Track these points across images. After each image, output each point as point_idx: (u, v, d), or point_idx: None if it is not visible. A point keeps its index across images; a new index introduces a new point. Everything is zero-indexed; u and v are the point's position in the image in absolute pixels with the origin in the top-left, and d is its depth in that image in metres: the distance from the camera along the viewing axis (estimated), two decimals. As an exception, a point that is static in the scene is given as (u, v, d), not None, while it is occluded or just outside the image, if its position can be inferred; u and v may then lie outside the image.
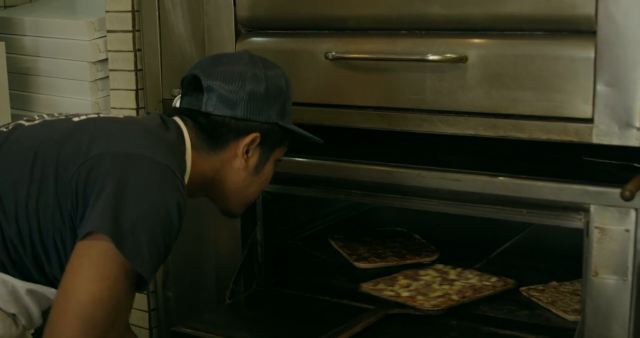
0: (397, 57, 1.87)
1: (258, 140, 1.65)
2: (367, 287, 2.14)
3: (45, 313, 1.60)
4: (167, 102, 2.25)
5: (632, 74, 1.61)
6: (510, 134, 1.77)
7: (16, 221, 1.46)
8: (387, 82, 1.91)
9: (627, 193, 1.56)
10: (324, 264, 2.42)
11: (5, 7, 2.90)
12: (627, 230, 1.64)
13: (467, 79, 1.79)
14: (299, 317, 2.08)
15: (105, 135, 1.52)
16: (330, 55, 1.93)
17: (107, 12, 2.37)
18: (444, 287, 2.13)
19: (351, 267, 2.36)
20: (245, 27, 2.12)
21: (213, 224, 2.26)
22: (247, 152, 1.66)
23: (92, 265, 1.37)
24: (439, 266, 2.30)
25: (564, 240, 2.34)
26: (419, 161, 1.92)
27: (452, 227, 2.65)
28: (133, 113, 2.37)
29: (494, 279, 2.18)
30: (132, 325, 1.94)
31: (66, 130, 1.53)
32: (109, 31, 2.38)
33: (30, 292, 1.52)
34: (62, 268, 1.43)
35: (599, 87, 1.65)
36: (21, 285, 1.51)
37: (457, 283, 2.16)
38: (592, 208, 1.67)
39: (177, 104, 1.76)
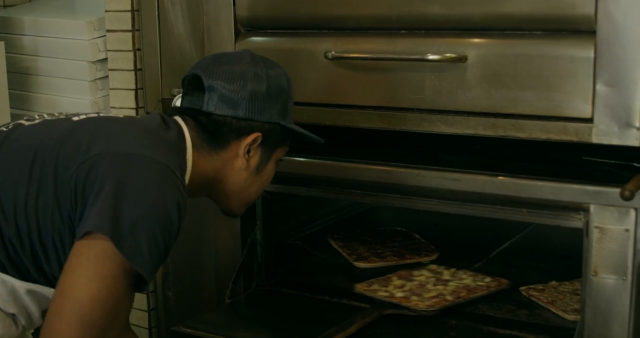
0: (396, 56, 1.87)
1: (259, 140, 1.65)
2: (361, 287, 2.14)
3: (45, 313, 1.60)
4: (166, 102, 2.25)
5: (631, 73, 1.61)
6: (510, 133, 1.77)
7: (15, 221, 1.46)
8: (386, 82, 1.91)
9: (626, 193, 1.56)
10: (324, 264, 2.42)
11: (5, 6, 2.90)
12: (627, 230, 1.64)
13: (466, 78, 1.79)
14: (299, 317, 2.08)
15: (105, 135, 1.51)
16: (329, 55, 1.93)
17: (106, 11, 2.37)
18: (438, 287, 2.13)
19: (351, 267, 2.36)
20: (245, 27, 2.12)
21: (213, 224, 2.26)
22: (248, 151, 1.65)
23: (90, 264, 1.37)
24: (433, 266, 2.30)
25: (563, 240, 2.34)
26: (418, 161, 1.92)
27: (452, 227, 2.65)
28: (132, 112, 2.37)
29: (488, 279, 2.18)
30: (132, 324, 1.94)
31: (66, 130, 1.53)
32: (108, 31, 2.38)
33: (29, 292, 1.52)
34: (61, 268, 1.43)
35: (598, 86, 1.65)
36: (21, 285, 1.51)
37: (451, 283, 2.16)
38: (592, 208, 1.67)
39: (177, 104, 1.76)
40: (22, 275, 1.50)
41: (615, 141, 1.65)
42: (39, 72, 2.64)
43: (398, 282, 2.16)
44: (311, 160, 2.02)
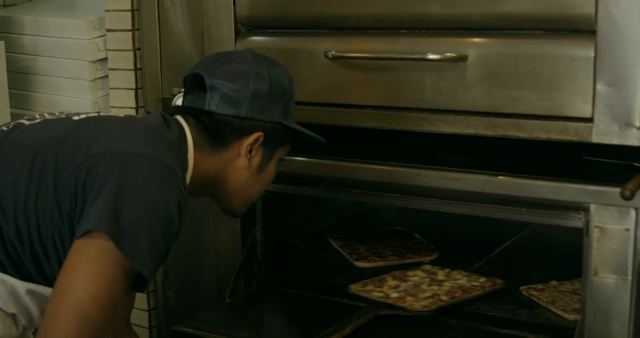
0: (397, 56, 1.87)
1: (261, 140, 1.64)
2: (355, 288, 2.14)
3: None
4: (166, 101, 2.25)
5: (631, 73, 1.61)
6: (510, 133, 1.77)
7: (15, 220, 1.46)
8: (387, 81, 1.91)
9: (627, 192, 1.56)
10: (324, 263, 2.42)
11: (5, 6, 2.90)
12: (627, 230, 1.64)
13: (467, 78, 1.79)
14: (299, 316, 2.08)
15: (105, 134, 1.51)
16: (330, 55, 1.93)
17: (106, 11, 2.37)
18: (432, 287, 2.13)
19: (351, 267, 2.36)
20: (245, 26, 2.12)
21: (213, 223, 2.26)
22: (250, 151, 1.65)
23: (90, 263, 1.36)
24: (427, 267, 2.30)
25: (563, 240, 2.34)
26: (419, 160, 1.92)
27: (452, 227, 2.65)
28: (132, 112, 2.37)
29: (482, 279, 2.18)
30: (132, 324, 1.94)
31: (66, 129, 1.52)
32: (108, 30, 2.38)
33: (30, 292, 1.52)
34: (61, 267, 1.42)
35: (598, 86, 1.65)
36: (21, 285, 1.50)
37: (445, 283, 2.16)
38: (592, 207, 1.67)
39: (177, 103, 1.75)
40: (22, 275, 1.50)
41: (615, 141, 1.65)
42: (39, 71, 2.64)
43: (393, 283, 2.16)
44: (311, 159, 2.02)
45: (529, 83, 1.73)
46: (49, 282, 1.50)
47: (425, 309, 1.99)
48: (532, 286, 2.14)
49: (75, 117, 1.59)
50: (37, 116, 1.63)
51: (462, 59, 1.78)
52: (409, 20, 1.88)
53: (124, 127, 1.56)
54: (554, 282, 2.16)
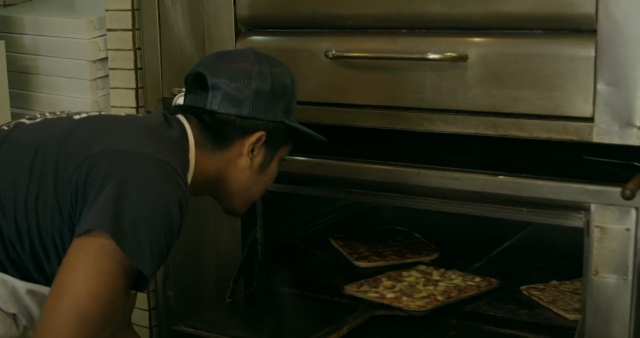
0: (397, 56, 1.87)
1: (263, 139, 1.64)
2: (350, 289, 2.13)
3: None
4: (167, 101, 2.25)
5: (632, 72, 1.61)
6: (511, 132, 1.77)
7: (15, 220, 1.46)
8: (387, 81, 1.91)
9: (627, 192, 1.56)
10: (324, 263, 2.42)
11: (5, 5, 2.90)
12: (628, 229, 1.64)
13: (467, 77, 1.79)
14: (299, 316, 2.08)
15: (106, 133, 1.51)
16: (330, 54, 1.93)
17: (107, 10, 2.37)
18: (428, 287, 2.12)
19: (351, 266, 2.36)
20: (245, 26, 2.12)
21: (213, 223, 2.26)
22: (252, 150, 1.64)
23: (89, 260, 1.36)
24: (422, 267, 2.30)
25: (564, 239, 2.34)
26: (419, 160, 1.91)
27: (453, 226, 2.65)
28: (133, 112, 2.37)
29: (477, 279, 2.19)
30: (132, 323, 1.94)
31: (67, 128, 1.52)
32: (108, 30, 2.38)
33: (30, 292, 1.51)
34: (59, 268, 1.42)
35: (599, 86, 1.64)
36: (21, 285, 1.50)
37: (441, 283, 2.16)
38: (593, 207, 1.67)
39: (178, 102, 1.75)
40: (23, 275, 1.50)
41: (616, 140, 1.65)
42: (40, 71, 2.64)
43: (388, 283, 2.16)
44: (312, 159, 2.02)
45: (530, 82, 1.73)
46: (50, 281, 1.49)
47: (422, 309, 1.99)
48: (532, 286, 2.14)
49: (76, 116, 1.58)
50: (38, 115, 1.63)
51: (463, 58, 1.78)
52: (409, 19, 1.87)
53: (124, 126, 1.56)
54: (554, 282, 2.16)
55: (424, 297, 2.05)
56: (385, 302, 2.04)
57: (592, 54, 1.65)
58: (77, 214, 1.42)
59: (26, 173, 1.46)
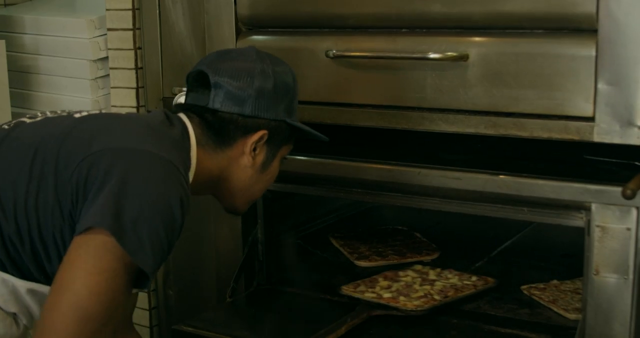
0: (397, 55, 1.87)
1: (265, 138, 1.64)
2: (347, 289, 2.13)
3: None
4: (167, 100, 2.25)
5: (633, 72, 1.61)
6: (511, 132, 1.77)
7: (15, 219, 1.45)
8: (387, 81, 1.91)
9: (628, 191, 1.56)
10: (325, 263, 2.42)
11: (6, 5, 2.90)
12: (629, 229, 1.64)
13: (467, 77, 1.79)
14: (300, 316, 2.07)
15: (106, 131, 1.51)
16: (331, 54, 1.93)
17: (107, 10, 2.37)
18: (425, 287, 2.13)
19: (352, 266, 2.36)
20: (246, 25, 2.12)
21: (214, 223, 2.26)
22: (254, 149, 1.64)
23: (90, 257, 1.35)
24: (418, 267, 2.30)
25: (565, 239, 2.34)
26: (419, 159, 1.91)
27: (453, 226, 2.65)
28: (133, 111, 2.37)
29: (474, 278, 2.19)
30: (133, 323, 1.94)
31: (67, 127, 1.52)
32: (109, 29, 2.38)
33: (30, 291, 1.51)
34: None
35: (600, 85, 1.64)
36: (21, 284, 1.50)
37: (437, 283, 2.16)
38: (593, 206, 1.67)
39: (179, 101, 1.74)
40: (23, 274, 1.49)
41: (616, 140, 1.65)
42: (40, 70, 2.64)
43: (384, 283, 2.16)
44: (312, 159, 2.02)
45: (530, 82, 1.73)
46: (50, 280, 1.48)
47: (419, 309, 1.99)
48: (533, 285, 2.14)
49: (77, 115, 1.58)
50: (39, 114, 1.62)
51: (463, 58, 1.77)
52: (409, 19, 1.87)
53: (125, 124, 1.55)
54: (555, 282, 2.16)
55: (420, 297, 2.05)
56: (382, 301, 2.04)
57: (593, 53, 1.65)
58: (77, 212, 1.42)
59: (26, 172, 1.46)
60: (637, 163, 1.77)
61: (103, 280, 1.34)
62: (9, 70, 2.55)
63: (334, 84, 1.98)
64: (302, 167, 2.02)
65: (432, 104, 1.85)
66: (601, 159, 1.84)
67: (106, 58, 2.44)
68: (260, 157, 1.66)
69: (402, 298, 2.05)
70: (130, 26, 2.33)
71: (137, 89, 2.37)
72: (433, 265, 2.31)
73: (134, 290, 1.51)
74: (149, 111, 2.31)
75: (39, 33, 2.61)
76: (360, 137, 2.09)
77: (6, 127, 1.58)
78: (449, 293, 2.07)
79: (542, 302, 2.04)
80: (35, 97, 2.66)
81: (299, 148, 1.82)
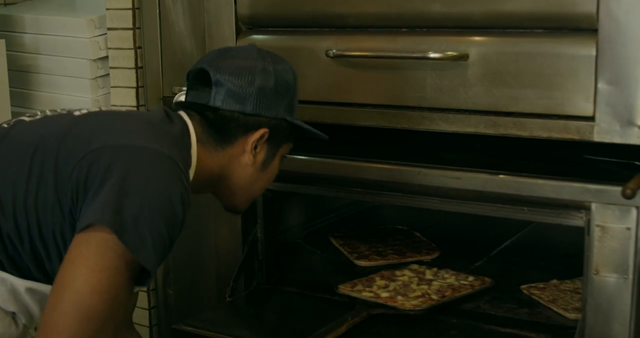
0: (397, 54, 1.87)
1: (266, 136, 1.63)
2: (344, 288, 2.13)
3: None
4: (167, 100, 2.25)
5: (633, 72, 1.61)
6: (511, 131, 1.77)
7: (14, 217, 1.44)
8: (387, 80, 1.91)
9: (628, 191, 1.56)
10: (325, 262, 2.42)
11: (6, 4, 2.90)
12: (628, 229, 1.64)
13: (468, 76, 1.79)
14: (299, 315, 2.07)
15: (106, 129, 1.50)
16: (331, 53, 1.93)
17: (107, 9, 2.37)
18: (422, 286, 2.13)
19: (352, 265, 2.36)
20: (246, 25, 2.12)
21: (214, 222, 2.26)
22: (255, 147, 1.64)
23: (91, 255, 1.34)
24: (414, 266, 2.30)
25: (564, 238, 2.34)
26: (419, 159, 1.91)
27: (453, 225, 2.65)
28: (133, 111, 2.37)
29: (471, 278, 2.19)
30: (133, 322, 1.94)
31: (67, 124, 1.51)
32: (109, 29, 2.38)
33: (29, 290, 1.50)
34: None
35: (600, 85, 1.64)
36: (20, 283, 1.49)
37: (435, 283, 2.16)
38: (593, 206, 1.67)
39: (179, 101, 1.74)
40: (22, 273, 1.49)
41: (616, 139, 1.65)
42: (40, 70, 2.64)
43: (381, 282, 2.16)
44: (312, 158, 2.02)
45: (530, 82, 1.73)
46: (50, 279, 1.48)
47: (417, 308, 1.99)
48: (532, 285, 2.14)
49: (77, 112, 1.58)
50: (39, 113, 1.62)
51: (463, 57, 1.77)
52: (409, 18, 1.87)
53: (125, 121, 1.55)
54: (554, 281, 2.16)
55: (418, 296, 2.05)
56: (380, 301, 2.04)
57: (593, 53, 1.65)
58: (78, 210, 1.41)
59: (26, 170, 1.46)
60: (637, 163, 1.77)
61: (105, 278, 1.34)
62: (9, 70, 2.55)
63: (334, 84, 1.98)
64: (302, 166, 2.02)
65: (432, 103, 1.85)
66: (601, 158, 1.84)
67: (106, 57, 2.44)
68: (261, 156, 1.66)
69: (399, 297, 2.05)
70: (130, 25, 2.33)
71: (137, 88, 2.37)
72: (433, 264, 2.31)
73: (136, 288, 1.50)
74: (148, 110, 2.31)
75: (39, 32, 2.62)
76: (360, 136, 2.09)
77: (5, 126, 1.57)
78: (447, 293, 2.08)
79: (541, 301, 2.04)
80: (35, 96, 2.66)
81: (299, 147, 1.82)
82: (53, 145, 1.46)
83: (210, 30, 2.15)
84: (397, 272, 2.24)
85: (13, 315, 1.53)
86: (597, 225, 1.66)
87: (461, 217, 2.10)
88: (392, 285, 2.14)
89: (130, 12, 2.32)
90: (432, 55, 1.79)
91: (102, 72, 2.49)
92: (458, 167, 1.85)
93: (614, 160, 1.82)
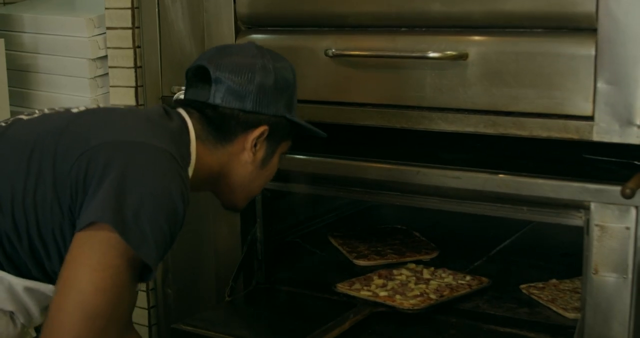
0: (397, 54, 1.87)
1: (266, 134, 1.63)
2: (342, 288, 2.13)
3: (45, 311, 1.59)
4: (166, 99, 2.25)
5: (632, 71, 1.61)
6: (511, 131, 1.77)
7: (12, 216, 1.44)
8: (387, 80, 1.91)
9: (627, 191, 1.56)
10: (324, 262, 2.42)
11: (5, 4, 2.90)
12: (628, 228, 1.64)
13: (467, 76, 1.79)
14: (298, 315, 2.07)
15: (104, 125, 1.50)
16: (330, 53, 1.93)
17: (106, 9, 2.37)
18: (420, 286, 2.13)
19: (351, 265, 2.36)
20: (245, 24, 2.11)
21: (213, 221, 2.26)
22: (255, 145, 1.63)
23: (93, 254, 1.34)
24: (412, 265, 2.30)
25: (564, 238, 2.34)
26: (419, 158, 1.91)
27: (452, 225, 2.65)
28: (133, 110, 2.37)
29: (468, 278, 2.19)
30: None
31: (64, 122, 1.51)
32: (108, 28, 2.38)
33: (28, 289, 1.49)
34: (62, 263, 1.39)
35: (599, 84, 1.64)
36: (18, 282, 1.48)
37: (432, 282, 2.16)
38: (593, 206, 1.67)
39: (179, 98, 1.73)
40: (20, 272, 1.48)
41: (616, 139, 1.65)
42: (39, 69, 2.63)
43: (379, 281, 2.16)
44: (312, 157, 2.02)
45: (530, 81, 1.73)
46: (49, 278, 1.49)
47: (415, 307, 1.99)
48: (532, 284, 2.14)
49: (74, 110, 1.57)
50: (37, 111, 1.62)
51: (463, 57, 1.77)
52: (409, 18, 1.87)
53: (123, 117, 1.54)
54: (554, 281, 2.16)
55: (417, 296, 2.05)
56: (379, 300, 2.04)
57: (593, 52, 1.65)
58: (77, 207, 1.41)
59: (24, 169, 1.45)
60: (636, 162, 1.77)
61: (108, 276, 1.33)
62: (8, 69, 2.55)
63: (333, 83, 1.98)
64: (302, 165, 2.02)
65: (431, 103, 1.85)
66: (600, 158, 1.84)
67: (105, 57, 2.44)
68: (261, 153, 1.65)
69: (398, 296, 2.05)
70: (130, 25, 2.33)
71: (136, 87, 2.37)
72: (432, 264, 2.31)
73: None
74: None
75: (38, 32, 2.61)
76: (359, 136, 2.09)
77: (3, 124, 1.57)
78: (445, 293, 2.08)
79: (541, 301, 2.04)
80: (35, 95, 2.66)
81: (298, 147, 1.82)
82: (51, 143, 1.46)
83: (209, 29, 2.15)
84: (395, 271, 2.24)
85: (11, 314, 1.53)
86: (597, 225, 1.66)
87: (461, 216, 2.10)
88: (390, 284, 2.14)
89: (129, 12, 2.32)
90: (432, 54, 1.79)
91: (101, 72, 2.49)
92: (457, 167, 1.85)
93: (613, 159, 1.82)
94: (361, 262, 2.35)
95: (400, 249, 2.44)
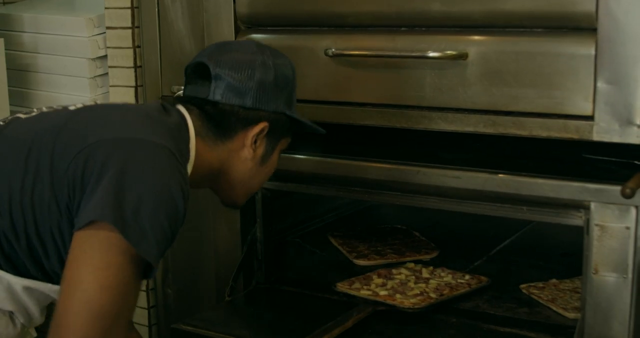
0: (397, 54, 1.87)
1: (266, 130, 1.63)
2: (342, 287, 2.13)
3: (45, 311, 1.58)
4: (166, 99, 2.24)
5: (632, 71, 1.61)
6: (511, 131, 1.77)
7: (10, 215, 1.43)
8: (387, 79, 1.90)
9: (627, 190, 1.55)
10: (324, 262, 2.42)
11: (5, 3, 2.90)
12: (628, 228, 1.64)
13: (467, 76, 1.79)
14: (298, 315, 2.07)
15: (102, 122, 1.49)
16: (330, 52, 1.93)
17: (106, 8, 2.36)
18: (419, 285, 2.13)
19: (351, 265, 2.36)
20: (245, 24, 2.11)
21: (213, 221, 2.26)
22: (255, 142, 1.63)
23: (95, 252, 1.33)
24: (411, 265, 2.30)
25: (564, 238, 2.34)
26: (419, 158, 1.91)
27: (452, 225, 2.65)
28: (132, 110, 2.37)
29: (467, 277, 2.19)
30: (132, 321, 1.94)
31: (62, 120, 1.50)
32: (108, 28, 2.38)
33: (27, 288, 1.49)
34: (61, 262, 1.40)
35: (599, 84, 1.64)
36: (17, 282, 1.48)
37: (432, 281, 2.16)
38: (593, 205, 1.67)
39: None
40: (18, 271, 1.47)
41: (616, 139, 1.65)
42: (39, 69, 2.63)
43: (379, 281, 2.16)
44: (312, 157, 2.02)
45: (530, 81, 1.72)
46: (49, 277, 1.48)
47: (416, 307, 1.99)
48: (532, 284, 2.14)
49: (72, 107, 1.57)
50: (35, 110, 1.61)
51: (463, 56, 1.77)
52: (409, 17, 1.87)
53: (121, 114, 1.54)
54: (554, 280, 2.16)
55: (417, 295, 2.06)
56: (379, 299, 2.04)
57: (593, 52, 1.64)
58: (75, 206, 1.40)
59: (21, 167, 1.44)
60: (636, 162, 1.77)
61: (112, 275, 1.33)
62: (7, 69, 2.55)
63: (333, 83, 1.98)
64: (302, 165, 2.02)
65: (431, 102, 1.85)
66: (600, 157, 1.84)
67: (105, 56, 2.44)
68: (261, 150, 1.65)
69: (398, 296, 2.05)
70: (129, 24, 2.33)
71: (136, 87, 2.37)
72: (432, 264, 2.31)
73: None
74: (146, 107, 2.31)
75: (38, 31, 2.61)
76: (359, 135, 2.09)
77: (1, 123, 1.56)
78: (445, 292, 2.08)
79: (541, 301, 2.04)
80: (34, 95, 2.65)
81: (298, 146, 1.82)
82: (48, 141, 1.45)
83: (209, 29, 2.15)
84: (394, 270, 2.24)
85: (11, 314, 1.52)
86: (597, 225, 1.66)
87: (460, 216, 2.10)
88: (390, 284, 2.14)
89: (129, 11, 2.32)
90: (432, 54, 1.79)
91: (101, 71, 2.48)
92: (457, 167, 1.85)
93: (613, 159, 1.82)
94: (361, 262, 2.35)
95: (400, 249, 2.44)
